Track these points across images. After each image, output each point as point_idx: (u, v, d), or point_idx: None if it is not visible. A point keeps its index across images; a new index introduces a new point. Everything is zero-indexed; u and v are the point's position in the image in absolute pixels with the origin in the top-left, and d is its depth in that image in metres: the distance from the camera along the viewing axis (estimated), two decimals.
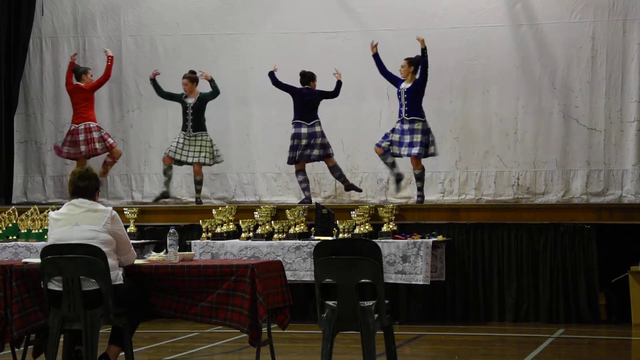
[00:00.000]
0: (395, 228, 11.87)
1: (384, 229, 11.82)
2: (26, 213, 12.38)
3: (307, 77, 13.09)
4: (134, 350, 7.73)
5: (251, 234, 11.96)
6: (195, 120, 13.40)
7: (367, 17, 14.04)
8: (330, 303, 7.38)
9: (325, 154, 13.07)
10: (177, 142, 13.45)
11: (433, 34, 13.43)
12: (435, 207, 12.79)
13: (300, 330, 10.93)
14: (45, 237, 10.05)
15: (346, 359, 9.17)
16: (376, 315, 7.33)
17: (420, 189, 12.75)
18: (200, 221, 12.16)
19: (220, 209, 12.40)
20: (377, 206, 12.20)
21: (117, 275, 7.43)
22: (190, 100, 13.38)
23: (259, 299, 7.54)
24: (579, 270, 11.90)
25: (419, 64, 12.44)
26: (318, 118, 13.05)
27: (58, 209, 7.74)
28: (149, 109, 14.69)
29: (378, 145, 12.77)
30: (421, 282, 11.51)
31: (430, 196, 13.56)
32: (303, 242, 11.71)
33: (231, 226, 12.28)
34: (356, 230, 11.69)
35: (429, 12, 13.82)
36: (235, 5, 14.47)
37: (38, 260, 7.45)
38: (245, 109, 14.29)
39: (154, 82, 13.47)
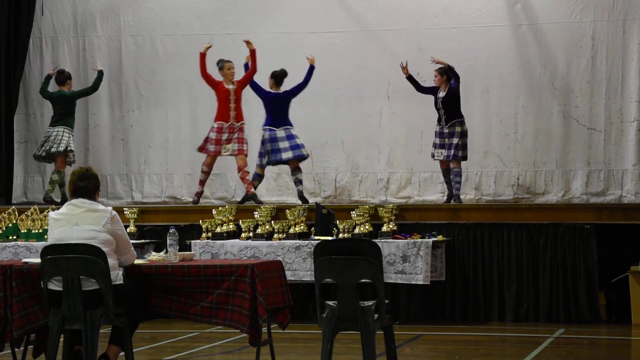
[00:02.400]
0: (395, 228, 11.87)
1: (384, 229, 11.82)
2: (26, 213, 12.37)
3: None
4: (134, 350, 7.73)
5: (251, 234, 11.96)
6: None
7: (367, 17, 14.04)
8: (330, 303, 7.38)
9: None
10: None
11: (433, 34, 13.44)
12: (435, 207, 12.79)
13: (300, 330, 10.93)
14: (45, 237, 10.05)
15: (346, 359, 9.17)
16: (376, 315, 7.33)
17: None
18: (200, 221, 12.15)
19: (220, 209, 12.40)
20: (377, 206, 12.20)
21: (117, 275, 7.43)
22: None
23: (259, 299, 7.54)
24: (579, 270, 11.90)
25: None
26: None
27: (58, 209, 7.74)
28: (149, 109, 14.69)
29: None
30: (421, 282, 11.51)
31: (430, 196, 13.57)
32: (303, 242, 11.71)
33: (231, 226, 12.28)
34: (356, 230, 11.69)
35: (429, 12, 13.82)
36: (235, 5, 14.47)
37: (38, 260, 7.45)
38: (245, 109, 14.26)
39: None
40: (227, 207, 12.57)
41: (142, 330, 10.02)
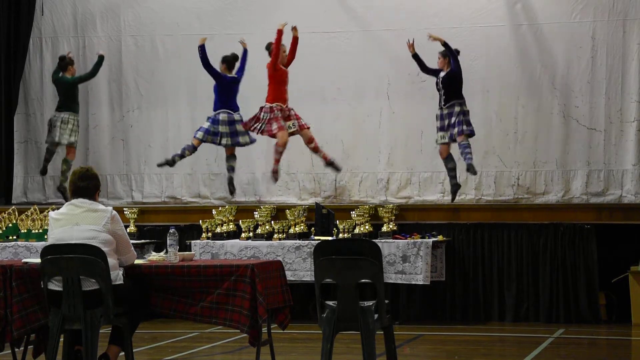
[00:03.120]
0: (395, 228, 11.87)
1: (384, 229, 11.83)
2: (26, 213, 12.38)
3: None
4: (134, 350, 7.73)
5: (251, 234, 11.96)
6: None
7: (367, 17, 14.03)
8: (330, 303, 7.38)
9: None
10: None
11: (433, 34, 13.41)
12: (435, 207, 12.79)
13: (300, 330, 10.93)
14: (45, 237, 10.05)
15: (346, 359, 9.17)
16: (376, 315, 7.33)
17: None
18: (200, 221, 12.16)
19: (220, 209, 12.39)
20: (377, 206, 12.21)
21: (117, 275, 7.43)
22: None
23: (259, 299, 7.54)
24: (579, 270, 11.90)
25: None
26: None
27: (58, 209, 7.74)
28: (149, 109, 14.68)
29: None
30: (421, 282, 11.52)
31: (430, 196, 13.57)
32: (303, 242, 11.72)
33: (231, 226, 12.28)
34: (356, 230, 11.69)
35: (429, 12, 13.81)
36: (235, 5, 14.47)
37: (38, 260, 7.45)
38: (245, 109, 14.25)
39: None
40: (227, 207, 12.57)
41: (142, 330, 10.02)
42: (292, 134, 12.90)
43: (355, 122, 14.02)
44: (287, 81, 12.89)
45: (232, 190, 13.27)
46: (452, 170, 12.75)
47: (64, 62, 13.70)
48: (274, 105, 12.80)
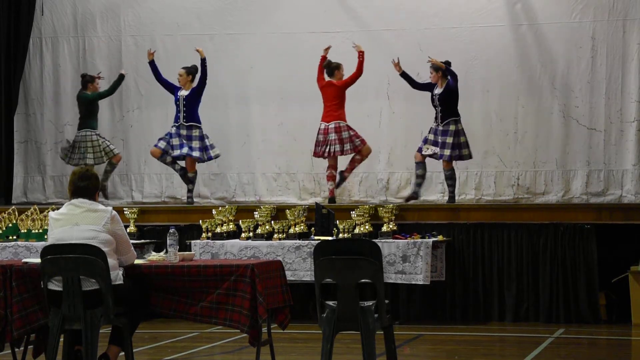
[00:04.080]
0: (395, 228, 11.87)
1: (384, 229, 11.83)
2: (26, 213, 12.38)
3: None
4: (134, 350, 7.73)
5: (251, 234, 11.96)
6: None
7: (367, 17, 14.04)
8: (330, 303, 7.38)
9: None
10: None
11: (433, 34, 13.44)
12: (435, 207, 12.79)
13: (300, 330, 10.93)
14: (45, 237, 10.05)
15: (346, 359, 9.17)
16: (376, 315, 7.33)
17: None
18: (200, 221, 12.16)
19: (220, 209, 12.40)
20: (377, 206, 12.21)
21: (117, 275, 7.43)
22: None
23: (259, 299, 7.54)
24: (579, 270, 11.90)
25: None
26: None
27: (58, 209, 7.74)
28: (149, 109, 14.69)
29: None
30: (421, 282, 11.51)
31: (430, 196, 13.57)
32: (303, 242, 11.72)
33: (231, 226, 12.28)
34: (356, 230, 11.69)
35: (429, 12, 13.82)
36: (235, 5, 14.47)
37: (38, 260, 7.45)
38: (245, 108, 14.28)
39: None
40: (227, 207, 12.57)
41: (142, 330, 10.02)
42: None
43: (355, 122, 14.01)
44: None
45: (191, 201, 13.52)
46: (420, 178, 12.88)
47: (84, 80, 13.78)
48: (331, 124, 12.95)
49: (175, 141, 13.34)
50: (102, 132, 14.53)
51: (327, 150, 12.92)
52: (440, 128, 12.62)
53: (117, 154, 13.99)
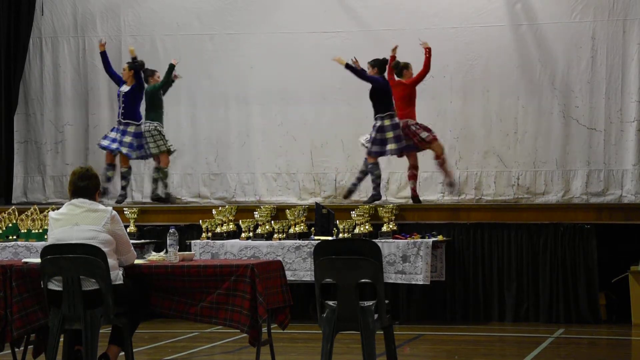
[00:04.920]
0: (395, 228, 11.87)
1: (384, 229, 11.83)
2: (26, 213, 12.37)
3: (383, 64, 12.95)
4: (134, 350, 7.73)
5: (251, 234, 11.96)
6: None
7: (367, 17, 14.04)
8: (330, 303, 7.38)
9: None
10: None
11: (433, 34, 13.43)
12: (435, 207, 12.79)
13: (300, 330, 10.93)
14: (45, 237, 10.05)
15: (346, 359, 9.17)
16: (376, 315, 7.33)
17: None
18: (200, 221, 12.16)
19: (220, 209, 12.40)
20: (377, 206, 12.20)
21: (117, 275, 7.43)
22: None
23: (259, 299, 7.54)
24: (579, 270, 11.90)
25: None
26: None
27: (58, 209, 7.74)
28: None
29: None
30: (421, 282, 11.51)
31: (430, 196, 13.57)
32: (303, 242, 11.72)
33: (231, 226, 12.28)
34: (356, 230, 11.69)
35: (429, 12, 13.82)
36: (235, 5, 14.47)
37: (38, 260, 7.45)
38: (245, 108, 14.28)
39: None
40: (227, 207, 12.57)
41: (142, 330, 10.01)
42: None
43: (355, 122, 14.02)
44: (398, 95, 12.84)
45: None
46: (378, 178, 12.93)
47: (146, 74, 13.60)
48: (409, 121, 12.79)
49: (112, 135, 13.54)
50: (102, 132, 14.53)
51: (390, 149, 12.79)
52: (373, 122, 12.67)
53: (163, 152, 13.62)
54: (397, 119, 12.62)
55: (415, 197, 12.93)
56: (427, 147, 12.88)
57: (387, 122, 12.62)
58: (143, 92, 13.34)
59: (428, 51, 12.70)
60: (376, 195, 12.81)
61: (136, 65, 13.32)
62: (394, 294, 11.85)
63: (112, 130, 13.62)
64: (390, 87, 12.65)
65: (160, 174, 13.69)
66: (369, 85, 13.23)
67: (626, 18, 13.22)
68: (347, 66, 12.63)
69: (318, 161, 13.69)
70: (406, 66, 12.90)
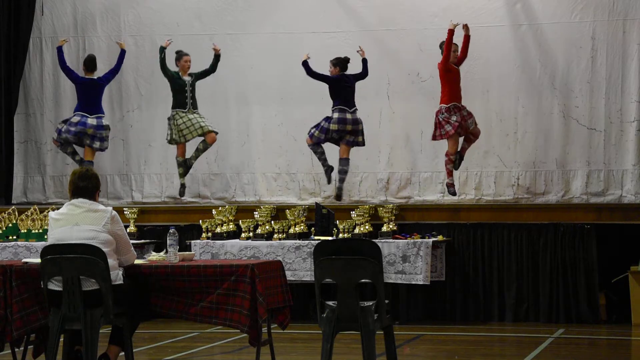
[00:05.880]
0: (395, 228, 11.87)
1: (384, 229, 11.83)
2: (26, 213, 12.38)
3: (344, 63, 12.98)
4: (134, 350, 7.73)
5: (251, 234, 11.96)
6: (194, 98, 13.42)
7: (367, 17, 14.03)
8: (330, 303, 7.38)
9: (356, 142, 13.03)
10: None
11: (433, 34, 13.42)
12: (435, 207, 12.79)
13: (300, 330, 10.93)
14: (45, 237, 10.05)
15: (346, 359, 9.17)
16: (376, 315, 7.33)
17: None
18: (200, 221, 12.16)
19: (220, 209, 12.40)
20: (377, 206, 12.20)
21: (117, 275, 7.43)
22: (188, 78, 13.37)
23: (259, 299, 7.54)
24: (579, 270, 11.90)
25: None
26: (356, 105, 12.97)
27: (58, 209, 7.74)
28: (149, 109, 14.68)
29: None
30: (421, 282, 11.52)
31: (430, 196, 13.57)
32: (303, 242, 11.72)
33: (231, 226, 12.28)
34: (356, 230, 11.69)
35: (429, 12, 13.81)
36: (235, 5, 14.46)
37: (38, 260, 7.45)
38: (245, 108, 14.27)
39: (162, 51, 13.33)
40: (227, 207, 12.57)
41: (142, 330, 10.02)
42: (472, 132, 12.69)
43: None
44: (459, 80, 12.65)
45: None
46: (345, 174, 12.95)
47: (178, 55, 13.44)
48: (450, 105, 12.60)
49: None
50: None
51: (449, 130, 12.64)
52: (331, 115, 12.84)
53: (210, 132, 13.36)
54: (354, 115, 12.76)
55: (450, 185, 12.71)
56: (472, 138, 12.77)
57: (349, 116, 12.69)
58: (101, 86, 13.33)
59: (466, 38, 12.61)
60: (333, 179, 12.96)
61: (86, 60, 13.40)
62: (394, 294, 11.86)
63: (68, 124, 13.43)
64: (349, 82, 12.73)
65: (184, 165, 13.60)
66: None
67: (626, 18, 13.22)
68: (303, 63, 12.75)
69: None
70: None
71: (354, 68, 12.93)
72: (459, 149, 12.67)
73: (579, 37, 13.33)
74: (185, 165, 13.49)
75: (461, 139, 12.69)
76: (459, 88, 12.61)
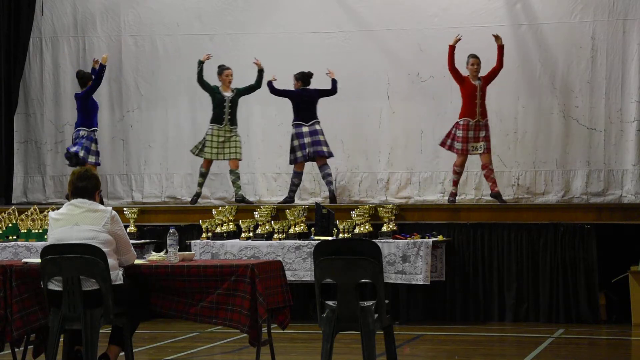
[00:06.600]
0: (395, 228, 11.87)
1: (384, 229, 11.83)
2: (26, 213, 12.37)
3: (307, 77, 13.12)
4: (134, 350, 7.73)
5: (251, 234, 11.96)
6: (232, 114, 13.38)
7: (367, 17, 14.04)
8: (330, 303, 7.38)
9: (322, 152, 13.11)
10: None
11: (433, 34, 13.43)
12: (435, 207, 12.79)
13: (300, 330, 10.93)
14: (45, 237, 10.05)
15: (346, 359, 9.17)
16: (376, 315, 7.33)
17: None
18: (200, 221, 12.16)
19: (220, 209, 12.40)
20: (377, 206, 12.21)
21: (117, 275, 7.43)
22: (228, 94, 13.35)
23: (259, 299, 7.54)
24: (579, 270, 11.90)
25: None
26: (317, 118, 13.10)
27: (58, 209, 7.74)
28: (149, 109, 14.69)
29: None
30: (421, 282, 11.52)
31: (430, 196, 13.57)
32: (303, 242, 11.72)
33: (231, 226, 12.28)
34: (356, 230, 11.69)
35: (429, 12, 13.82)
36: (235, 5, 14.47)
37: (38, 260, 7.45)
38: (245, 108, 14.26)
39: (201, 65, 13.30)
40: (227, 207, 12.57)
41: (142, 330, 10.02)
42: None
43: (355, 122, 14.03)
44: (476, 95, 12.61)
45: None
46: (296, 186, 13.27)
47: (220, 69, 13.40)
48: (461, 120, 12.64)
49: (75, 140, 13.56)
50: (102, 131, 14.53)
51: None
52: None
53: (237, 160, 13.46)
54: (313, 127, 12.99)
55: (496, 194, 12.67)
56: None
57: (305, 129, 12.97)
58: (84, 98, 13.28)
59: (499, 48, 12.64)
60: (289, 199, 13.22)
61: (78, 75, 13.48)
62: (394, 294, 11.85)
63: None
64: (310, 96, 13.02)
65: (234, 177, 13.57)
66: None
67: (626, 18, 13.22)
68: (268, 83, 13.15)
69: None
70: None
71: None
72: (465, 163, 12.78)
73: (579, 37, 13.34)
74: (205, 177, 13.57)
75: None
76: (474, 103, 12.61)
